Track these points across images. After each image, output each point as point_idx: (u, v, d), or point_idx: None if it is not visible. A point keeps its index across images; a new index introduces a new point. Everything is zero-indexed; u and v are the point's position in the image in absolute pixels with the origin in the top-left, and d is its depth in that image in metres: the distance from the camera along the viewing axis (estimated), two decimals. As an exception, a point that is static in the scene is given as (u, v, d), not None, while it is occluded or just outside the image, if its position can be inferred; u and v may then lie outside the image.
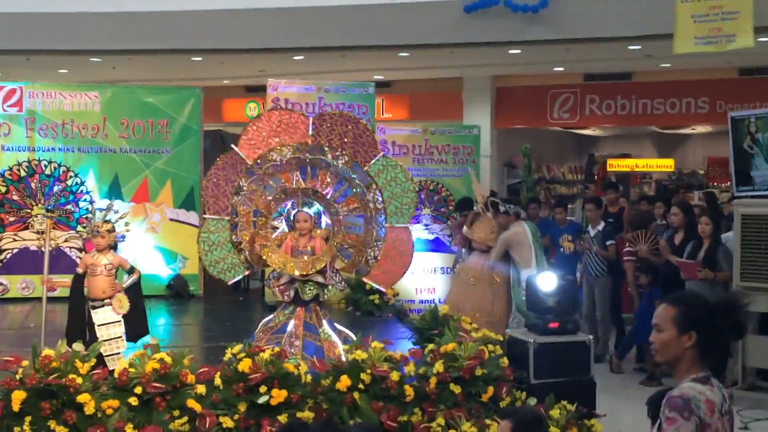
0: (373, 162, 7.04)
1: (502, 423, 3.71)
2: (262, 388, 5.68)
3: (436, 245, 11.03)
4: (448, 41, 13.23)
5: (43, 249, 10.78)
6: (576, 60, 15.18)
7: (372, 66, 16.40)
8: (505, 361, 6.28)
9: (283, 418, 5.61)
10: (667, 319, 3.18)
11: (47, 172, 11.18)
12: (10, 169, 11.10)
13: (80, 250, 10.91)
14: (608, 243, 10.09)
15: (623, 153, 21.30)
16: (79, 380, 5.45)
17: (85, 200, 11.18)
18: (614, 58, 14.68)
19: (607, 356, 10.09)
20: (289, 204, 7.00)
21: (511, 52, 14.10)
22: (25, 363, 5.53)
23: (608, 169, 20.13)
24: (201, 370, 5.80)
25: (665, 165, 20.75)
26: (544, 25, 11.96)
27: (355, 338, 6.57)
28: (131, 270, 6.99)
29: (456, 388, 5.98)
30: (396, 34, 13.07)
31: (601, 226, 10.30)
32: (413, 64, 15.97)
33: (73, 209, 11.03)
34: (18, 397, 5.27)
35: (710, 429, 3.03)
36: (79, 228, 10.93)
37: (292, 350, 6.46)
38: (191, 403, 5.56)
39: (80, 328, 6.71)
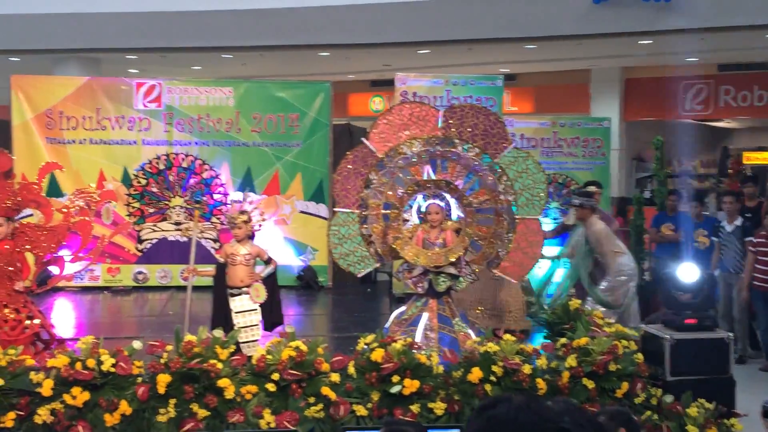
0: (504, 153, 7.00)
1: None
2: (395, 378, 5.73)
3: (565, 239, 10.87)
4: (576, 32, 13.04)
5: (182, 239, 11.27)
6: (710, 50, 14.71)
7: (498, 59, 16.31)
8: (640, 356, 6.14)
9: (415, 408, 5.65)
10: None
11: (184, 165, 11.59)
12: (150, 162, 11.57)
13: (215, 240, 11.27)
14: (747, 239, 9.76)
15: (760, 146, 20.48)
16: (220, 365, 5.62)
17: (219, 192, 11.53)
18: (750, 47, 14.17)
19: (746, 356, 9.78)
20: (419, 196, 7.03)
21: (641, 42, 13.79)
22: (169, 348, 5.74)
23: (743, 162, 19.41)
24: (335, 359, 5.89)
25: (804, 158, 19.86)
26: (677, 13, 11.63)
27: (486, 331, 6.56)
28: (268, 260, 7.17)
29: (589, 383, 5.90)
30: (523, 26, 12.96)
31: (739, 221, 9.96)
32: (540, 56, 15.80)
33: (208, 201, 11.39)
34: (163, 380, 5.49)
35: None
36: (214, 219, 11.28)
37: (428, 342, 6.49)
38: (326, 391, 5.66)
39: (224, 315, 6.92)
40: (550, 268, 9.20)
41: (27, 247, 6.77)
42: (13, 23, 12.90)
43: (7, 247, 6.63)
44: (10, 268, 6.64)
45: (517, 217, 6.92)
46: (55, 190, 10.67)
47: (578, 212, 9.17)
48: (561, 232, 9.87)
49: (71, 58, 15.16)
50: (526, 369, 5.86)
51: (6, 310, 6.56)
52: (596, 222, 9.02)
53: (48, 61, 15.30)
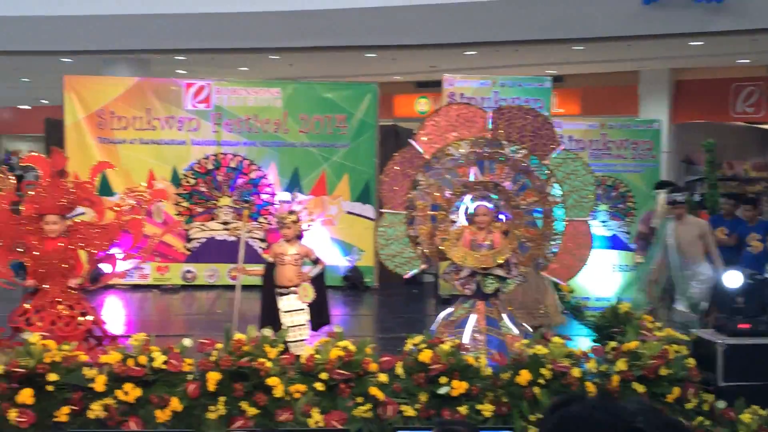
0: (553, 155, 6.96)
1: None
2: (443, 379, 5.72)
3: (613, 242, 10.79)
4: (625, 33, 12.94)
5: (229, 238, 11.37)
6: (762, 51, 14.49)
7: (545, 60, 16.23)
8: (692, 361, 6.07)
9: (463, 410, 5.65)
10: None
11: (232, 165, 11.69)
12: (199, 162, 11.69)
13: (262, 240, 11.35)
14: None
15: (814, 150, 20.12)
16: (269, 364, 5.66)
17: (266, 192, 11.62)
18: (805, 48, 13.95)
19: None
20: (467, 198, 7.02)
21: (691, 43, 13.63)
22: (219, 346, 5.79)
23: (795, 166, 19.05)
24: (383, 359, 5.90)
25: None
26: (729, 15, 11.50)
27: (533, 333, 6.53)
28: (316, 260, 7.20)
29: (640, 387, 5.84)
30: (570, 27, 12.88)
31: (794, 225, 9.80)
32: (587, 57, 15.70)
33: (255, 201, 11.48)
34: (213, 377, 5.54)
35: None
36: (261, 219, 11.37)
37: (476, 345, 6.48)
38: (374, 391, 5.67)
39: (272, 314, 6.97)
40: (638, 272, 9.11)
41: (80, 244, 6.88)
42: (65, 24, 13.12)
43: (61, 244, 6.74)
44: (64, 266, 6.75)
45: (565, 219, 6.88)
46: (106, 189, 10.82)
47: (677, 209, 9.03)
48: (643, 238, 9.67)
49: (121, 59, 15.38)
50: (576, 372, 5.82)
51: (60, 307, 6.68)
52: (695, 219, 8.99)
53: (99, 62, 15.54)
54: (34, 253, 6.73)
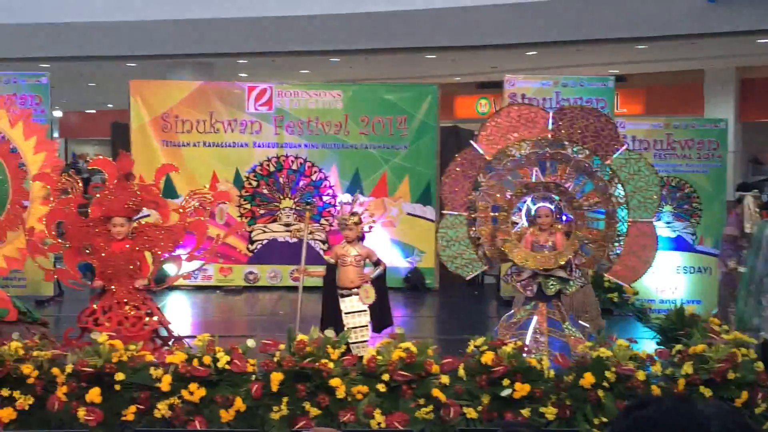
0: (615, 155, 6.88)
1: None
2: (505, 381, 5.70)
3: (678, 244, 10.61)
4: (690, 32, 12.74)
5: (291, 240, 11.46)
6: (833, 48, 14.15)
7: (607, 60, 16.06)
8: (761, 365, 5.95)
9: (526, 412, 5.61)
10: None
11: (294, 167, 11.79)
12: (261, 164, 11.81)
13: (323, 242, 11.42)
14: None
15: None
16: (331, 365, 5.69)
17: (328, 194, 11.69)
18: None
19: None
20: (528, 199, 6.97)
21: (759, 41, 13.34)
22: (282, 347, 5.84)
23: None
24: (445, 361, 5.89)
25: None
26: (798, 11, 11.23)
27: (597, 335, 6.46)
28: (377, 262, 7.22)
29: (706, 391, 5.74)
30: (634, 25, 12.73)
31: None
32: (651, 56, 15.49)
33: (317, 203, 11.56)
34: (276, 378, 5.59)
35: None
36: (322, 221, 11.45)
37: (538, 347, 6.44)
38: (436, 393, 5.66)
39: (334, 315, 7.01)
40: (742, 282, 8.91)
41: (146, 246, 7.00)
42: (131, 30, 13.36)
43: (128, 246, 6.87)
44: (130, 267, 6.88)
45: (629, 220, 6.79)
46: (170, 191, 10.99)
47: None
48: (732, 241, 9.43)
49: (185, 63, 15.64)
50: (640, 375, 5.75)
51: (127, 307, 6.81)
52: None
53: (163, 66, 15.82)
54: (101, 254, 6.88)
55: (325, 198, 11.68)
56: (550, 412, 5.63)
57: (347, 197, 10.50)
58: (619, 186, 6.75)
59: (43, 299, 10.59)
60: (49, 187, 7.26)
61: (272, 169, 11.80)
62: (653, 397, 1.86)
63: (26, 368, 5.67)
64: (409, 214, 11.78)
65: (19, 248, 7.71)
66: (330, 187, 11.74)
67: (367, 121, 11.81)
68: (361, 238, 7.27)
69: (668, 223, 10.56)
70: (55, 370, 5.71)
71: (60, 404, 5.58)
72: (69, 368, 5.70)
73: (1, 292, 7.52)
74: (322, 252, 10.99)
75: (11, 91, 10.59)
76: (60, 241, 7.08)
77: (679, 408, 1.79)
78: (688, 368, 5.82)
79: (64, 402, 5.59)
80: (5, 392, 5.62)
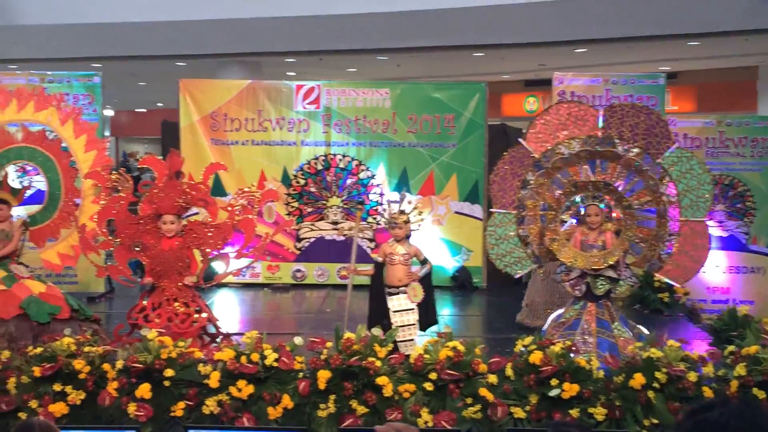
0: (666, 153, 6.79)
1: None
2: (554, 381, 5.64)
3: (731, 243, 10.42)
4: (742, 28, 12.51)
5: (338, 238, 11.49)
6: None
7: (658, 56, 15.84)
8: (816, 367, 5.82)
9: (574, 413, 5.55)
10: None
11: (341, 165, 11.81)
12: (308, 162, 11.85)
13: (371, 240, 11.43)
14: None
15: None
16: (378, 363, 5.69)
17: (375, 193, 11.69)
18: None
19: None
20: (578, 197, 6.91)
21: (815, 36, 13.07)
22: (329, 345, 5.85)
23: None
24: (492, 360, 5.86)
25: None
26: None
27: (648, 335, 6.37)
28: (424, 260, 7.20)
29: (760, 393, 5.63)
30: (685, 22, 12.53)
31: None
32: (703, 53, 15.24)
33: (365, 201, 11.57)
34: (323, 376, 5.60)
35: None
36: (370, 219, 11.45)
37: (586, 347, 6.37)
38: (483, 392, 5.63)
39: (381, 313, 7.00)
40: None
41: (195, 243, 7.06)
42: (180, 29, 13.48)
43: (178, 243, 6.94)
44: (179, 264, 6.95)
45: (681, 219, 6.70)
46: (219, 189, 11.09)
47: None
48: None
49: (234, 62, 15.74)
50: (692, 377, 5.66)
51: (176, 304, 6.88)
52: None
53: (212, 65, 15.93)
54: (151, 252, 6.95)
55: (372, 196, 11.68)
56: (599, 412, 5.56)
57: (395, 195, 10.51)
58: (671, 184, 6.66)
59: (95, 296, 10.75)
60: (99, 185, 7.37)
61: (320, 167, 11.83)
62: (718, 400, 1.82)
63: (78, 364, 5.75)
64: (456, 212, 11.74)
65: (73, 245, 7.85)
66: (377, 185, 11.74)
67: (414, 119, 11.79)
68: (408, 237, 7.25)
69: (720, 222, 10.38)
70: (106, 366, 5.78)
71: (110, 399, 5.65)
72: (119, 364, 5.77)
73: (56, 288, 7.65)
74: (369, 250, 11.01)
75: (65, 90, 10.76)
76: (110, 238, 7.18)
77: (745, 412, 1.75)
78: (741, 370, 5.72)
79: (114, 397, 5.66)
80: (57, 387, 5.71)
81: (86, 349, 5.93)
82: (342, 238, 11.19)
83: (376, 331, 5.99)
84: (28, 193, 8.18)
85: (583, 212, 6.82)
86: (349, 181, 11.78)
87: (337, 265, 11.46)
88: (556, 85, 10.77)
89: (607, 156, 6.77)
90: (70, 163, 7.91)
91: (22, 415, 5.57)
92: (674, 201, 6.68)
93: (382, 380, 5.61)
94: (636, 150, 6.71)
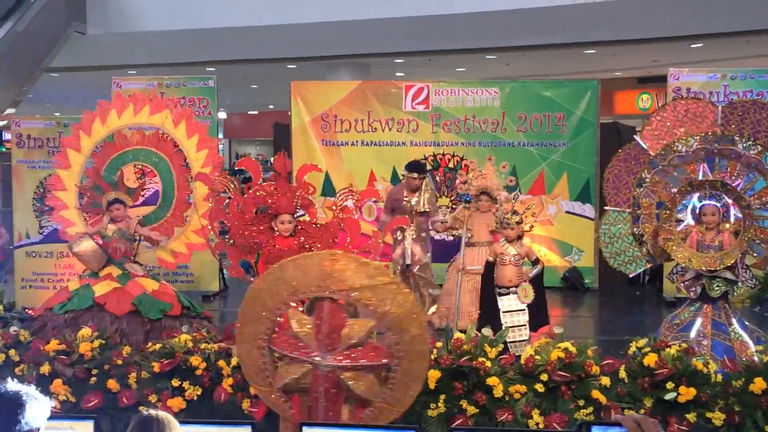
0: (790, 152, 6.54)
1: None
2: (669, 385, 5.51)
3: None
4: None
5: (447, 237, 11.46)
6: None
7: (778, 50, 15.25)
8: None
9: (691, 417, 5.41)
10: None
11: (450, 165, 11.80)
12: (418, 162, 11.85)
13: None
14: None
15: None
16: (489, 364, 5.66)
17: (484, 192, 11.61)
18: None
19: None
20: (695, 196, 6.73)
21: None
22: (439, 345, 5.86)
23: None
24: (605, 362, 5.76)
25: None
26: None
27: (768, 339, 6.17)
28: (536, 261, 7.14)
29: None
30: (808, 13, 12.03)
31: None
32: (828, 45, 14.59)
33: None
34: (433, 375, 5.60)
35: None
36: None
37: (700, 350, 6.20)
38: (596, 394, 5.54)
39: (492, 314, 6.98)
40: None
41: (308, 243, 7.15)
42: (291, 33, 13.68)
43: (296, 242, 7.03)
44: (294, 263, 7.03)
45: (804, 219, 6.45)
46: (330, 189, 11.23)
47: None
48: None
49: (343, 63, 15.91)
50: (816, 382, 5.44)
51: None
52: None
53: (322, 67, 16.14)
54: (267, 251, 7.06)
55: (482, 196, 11.61)
56: (717, 417, 5.41)
57: (506, 195, 10.44)
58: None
59: (209, 294, 11.00)
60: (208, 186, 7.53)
61: (429, 167, 11.84)
62: None
63: (195, 360, 5.91)
64: (567, 212, 11.58)
65: (186, 243, 8.05)
66: (486, 185, 11.66)
67: (524, 118, 11.68)
68: (520, 237, 7.20)
69: None
70: (221, 363, 5.92)
71: (226, 396, 5.79)
72: (234, 361, 5.89)
73: (168, 286, 7.87)
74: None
75: (181, 94, 11.09)
76: (222, 239, 7.31)
77: None
78: None
79: (229, 394, 5.79)
80: (175, 382, 5.88)
81: (202, 346, 6.09)
82: (450, 238, 11.15)
83: (487, 332, 5.97)
84: (145, 193, 8.44)
85: (699, 211, 6.64)
86: (458, 181, 11.73)
87: (445, 264, 11.44)
88: (671, 82, 10.50)
89: (727, 154, 6.57)
90: (184, 163, 8.11)
91: (143, 410, 5.76)
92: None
93: (492, 380, 5.58)
94: (758, 147, 6.50)
